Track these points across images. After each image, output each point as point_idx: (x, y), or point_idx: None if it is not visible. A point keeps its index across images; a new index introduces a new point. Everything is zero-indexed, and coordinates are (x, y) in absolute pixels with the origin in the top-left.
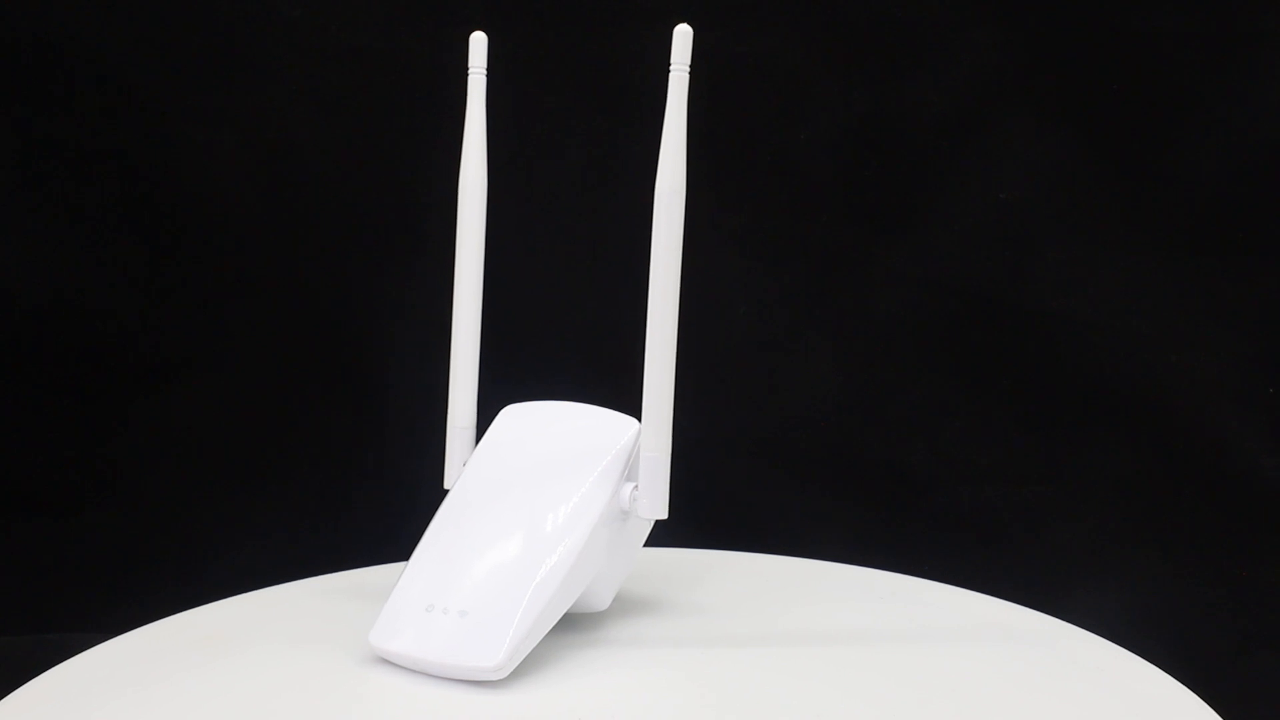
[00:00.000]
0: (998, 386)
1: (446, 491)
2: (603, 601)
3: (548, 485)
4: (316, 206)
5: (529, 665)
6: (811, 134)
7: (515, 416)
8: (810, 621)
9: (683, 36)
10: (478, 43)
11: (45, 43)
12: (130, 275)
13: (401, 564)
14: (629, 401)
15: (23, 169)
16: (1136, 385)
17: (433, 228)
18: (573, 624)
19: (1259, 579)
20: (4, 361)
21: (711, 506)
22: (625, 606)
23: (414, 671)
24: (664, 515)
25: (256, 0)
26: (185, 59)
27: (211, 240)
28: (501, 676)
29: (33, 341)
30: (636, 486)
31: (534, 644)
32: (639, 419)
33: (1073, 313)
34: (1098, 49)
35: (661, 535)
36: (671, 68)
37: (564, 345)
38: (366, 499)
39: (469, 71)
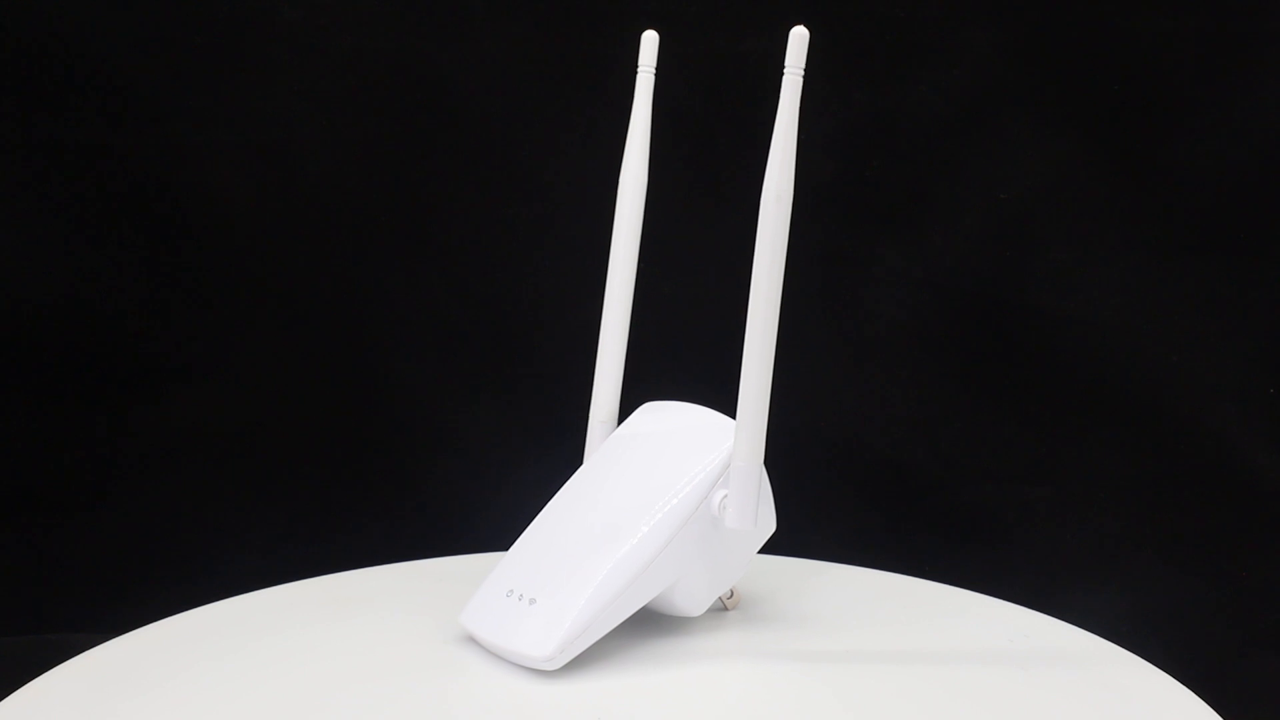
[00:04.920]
0: (998, 386)
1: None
2: (696, 607)
3: (645, 485)
4: (317, 207)
5: (588, 660)
6: (812, 134)
7: (648, 414)
8: (859, 637)
9: (799, 40)
10: (649, 41)
11: (45, 43)
12: (131, 276)
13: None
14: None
15: (23, 169)
16: (1136, 385)
17: (435, 229)
18: (662, 626)
19: (1259, 579)
20: (5, 362)
21: None
22: (731, 614)
23: (489, 653)
24: (750, 527)
25: (256, 1)
26: (185, 59)
27: (212, 241)
28: (553, 668)
29: (33, 342)
30: (727, 495)
31: (594, 639)
32: None
33: (1073, 313)
34: (1098, 49)
35: None
36: (785, 70)
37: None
38: (369, 501)
39: (638, 69)
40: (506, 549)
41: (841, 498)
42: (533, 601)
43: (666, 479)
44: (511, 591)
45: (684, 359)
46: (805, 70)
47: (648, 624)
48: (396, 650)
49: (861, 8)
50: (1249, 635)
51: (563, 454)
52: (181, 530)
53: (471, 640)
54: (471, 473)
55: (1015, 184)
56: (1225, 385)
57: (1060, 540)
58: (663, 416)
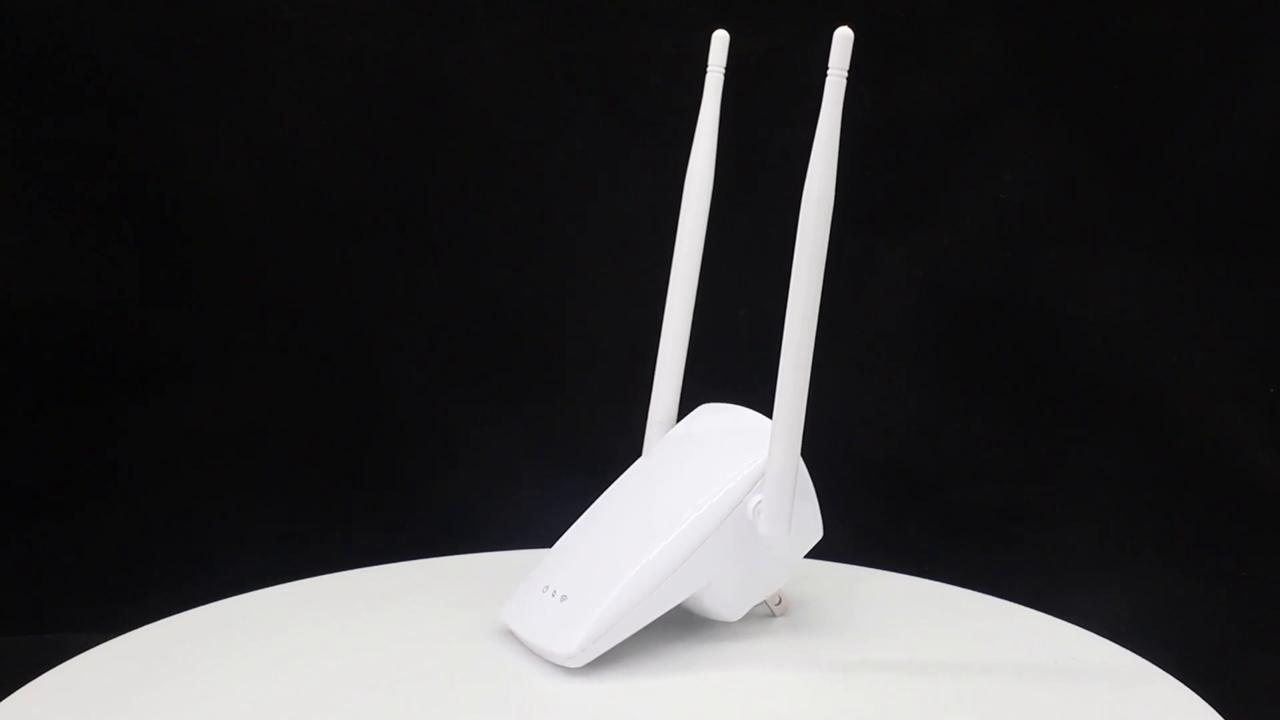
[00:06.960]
0: (998, 386)
1: None
2: (731, 612)
3: (685, 487)
4: (317, 207)
5: (615, 659)
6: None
7: (704, 415)
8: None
9: (843, 40)
10: (719, 40)
11: (45, 43)
12: (131, 276)
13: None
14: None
15: (23, 169)
16: (1136, 385)
17: (435, 229)
18: (699, 630)
19: (1259, 579)
20: (4, 361)
21: None
22: (773, 621)
23: (524, 649)
24: (784, 534)
25: (256, 1)
26: (185, 59)
27: (212, 241)
28: (575, 665)
29: (33, 342)
30: (761, 501)
31: (619, 639)
32: None
33: (1073, 313)
34: (1098, 49)
35: None
36: (829, 71)
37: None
38: (369, 501)
39: (708, 69)
40: (509, 549)
41: (841, 497)
42: (565, 598)
43: (704, 482)
44: (547, 588)
45: (696, 361)
46: (805, 70)
47: (683, 626)
48: (423, 647)
49: (861, 8)
50: (1249, 635)
51: (564, 453)
52: (181, 530)
53: (510, 635)
54: (472, 472)
55: (1015, 184)
56: (1225, 385)
57: (1061, 540)
58: (716, 419)
